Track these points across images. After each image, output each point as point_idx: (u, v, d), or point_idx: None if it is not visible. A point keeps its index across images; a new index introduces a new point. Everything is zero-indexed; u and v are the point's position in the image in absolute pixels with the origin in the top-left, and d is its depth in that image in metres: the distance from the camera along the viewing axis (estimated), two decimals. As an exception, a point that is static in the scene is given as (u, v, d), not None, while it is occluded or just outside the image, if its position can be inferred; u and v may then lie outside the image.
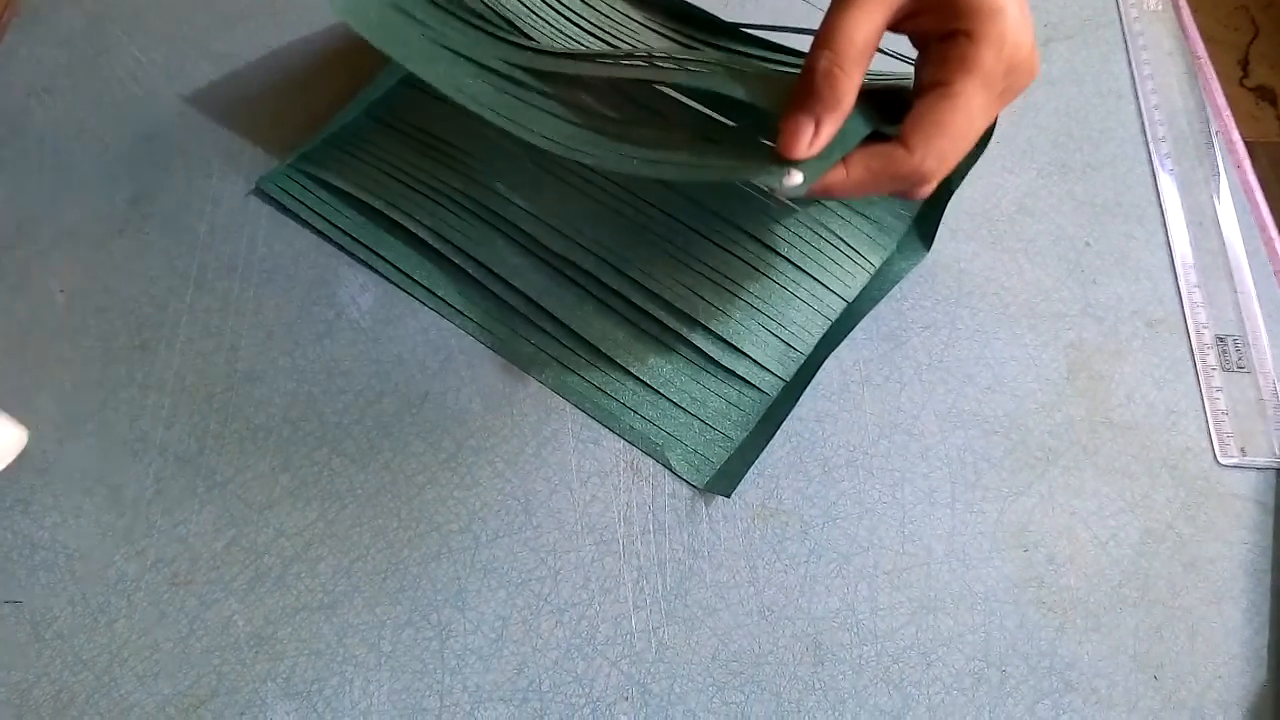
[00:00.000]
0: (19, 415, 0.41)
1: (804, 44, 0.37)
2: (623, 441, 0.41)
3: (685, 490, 0.39)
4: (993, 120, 0.36)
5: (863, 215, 0.44)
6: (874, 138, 0.35)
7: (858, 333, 0.43)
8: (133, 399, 0.42)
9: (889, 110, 0.36)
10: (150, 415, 0.41)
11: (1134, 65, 0.51)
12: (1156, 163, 0.48)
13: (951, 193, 0.43)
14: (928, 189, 0.37)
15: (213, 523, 0.39)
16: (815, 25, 0.34)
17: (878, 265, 0.44)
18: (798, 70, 0.34)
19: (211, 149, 0.48)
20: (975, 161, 0.41)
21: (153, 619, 0.37)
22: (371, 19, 0.43)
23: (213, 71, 0.51)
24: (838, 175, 0.35)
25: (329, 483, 0.40)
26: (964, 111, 0.33)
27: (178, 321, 0.43)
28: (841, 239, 0.44)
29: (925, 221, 0.45)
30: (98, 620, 0.37)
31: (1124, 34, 0.52)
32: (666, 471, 0.40)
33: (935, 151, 0.34)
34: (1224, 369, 0.42)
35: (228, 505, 0.39)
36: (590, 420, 0.41)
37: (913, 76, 0.36)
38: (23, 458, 0.40)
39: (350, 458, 0.40)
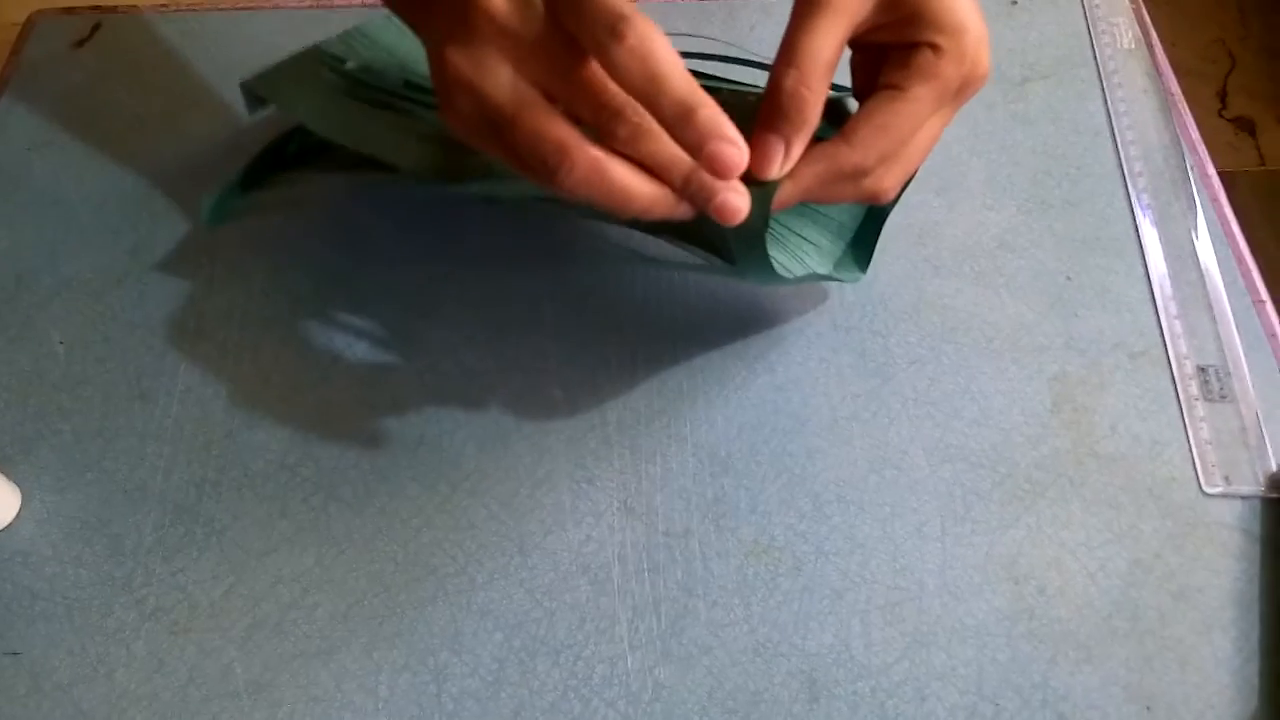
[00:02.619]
0: (19, 467, 0.42)
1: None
2: (616, 480, 0.41)
3: (679, 528, 0.40)
4: (939, 133, 0.36)
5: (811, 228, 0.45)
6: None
7: (845, 369, 0.44)
8: (132, 448, 0.42)
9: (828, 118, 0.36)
10: (149, 464, 0.42)
11: (1110, 103, 0.52)
12: (1134, 197, 0.49)
13: (885, 215, 0.44)
14: (870, 187, 0.36)
15: (211, 570, 0.39)
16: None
17: (819, 271, 0.43)
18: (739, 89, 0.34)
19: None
20: (907, 184, 0.41)
21: (152, 668, 0.37)
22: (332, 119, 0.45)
23: (210, 124, 0.52)
24: (784, 187, 0.35)
25: (326, 528, 0.40)
26: (912, 115, 0.34)
27: (176, 370, 0.44)
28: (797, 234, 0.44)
29: (861, 244, 0.45)
30: (97, 670, 0.37)
31: (1099, 72, 0.53)
32: (660, 510, 0.40)
33: (876, 148, 0.34)
34: (1206, 399, 0.43)
35: (226, 552, 0.40)
36: (584, 461, 0.42)
37: (848, 91, 0.37)
38: (23, 508, 0.41)
39: (346, 503, 0.41)
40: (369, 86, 0.45)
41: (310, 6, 0.57)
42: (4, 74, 0.55)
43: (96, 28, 0.57)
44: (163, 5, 0.59)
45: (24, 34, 0.57)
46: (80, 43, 0.56)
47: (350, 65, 0.47)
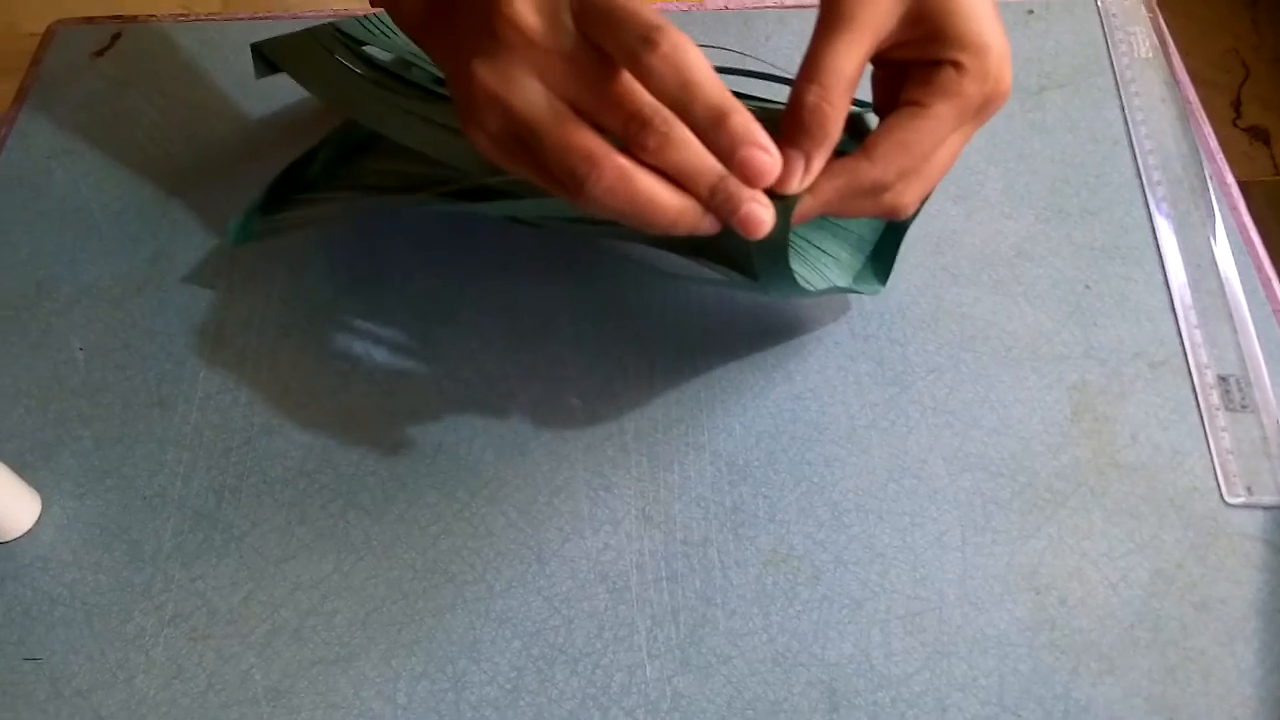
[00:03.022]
0: (39, 473, 0.42)
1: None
2: (634, 488, 0.41)
3: (697, 537, 0.40)
4: (959, 149, 0.36)
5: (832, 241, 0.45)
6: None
7: (864, 378, 0.44)
8: (152, 454, 0.42)
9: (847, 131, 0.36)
10: (169, 470, 0.42)
11: (1127, 111, 0.52)
12: (1153, 206, 0.49)
13: (905, 228, 0.44)
14: (890, 202, 0.36)
15: (230, 576, 0.39)
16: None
17: (838, 284, 0.44)
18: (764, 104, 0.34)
19: (228, 207, 0.49)
20: (926, 198, 0.41)
21: (171, 674, 0.37)
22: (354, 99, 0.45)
23: (229, 133, 0.53)
24: (804, 201, 0.35)
25: (344, 535, 0.40)
26: (933, 133, 0.34)
27: (196, 377, 0.44)
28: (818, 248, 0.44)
29: (880, 257, 0.45)
30: (116, 676, 0.37)
31: (1116, 81, 0.53)
32: (678, 519, 0.40)
33: (897, 164, 0.34)
34: (1227, 408, 0.43)
35: (245, 559, 0.40)
36: (602, 469, 0.41)
37: (869, 106, 0.38)
38: (43, 514, 0.41)
39: (365, 509, 0.41)
40: (389, 74, 0.45)
41: (329, 15, 0.57)
42: (24, 83, 0.56)
43: (116, 37, 0.57)
44: (182, 14, 0.59)
45: (44, 43, 0.57)
46: (100, 52, 0.57)
47: (374, 50, 0.47)
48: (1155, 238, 0.48)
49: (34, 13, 1.64)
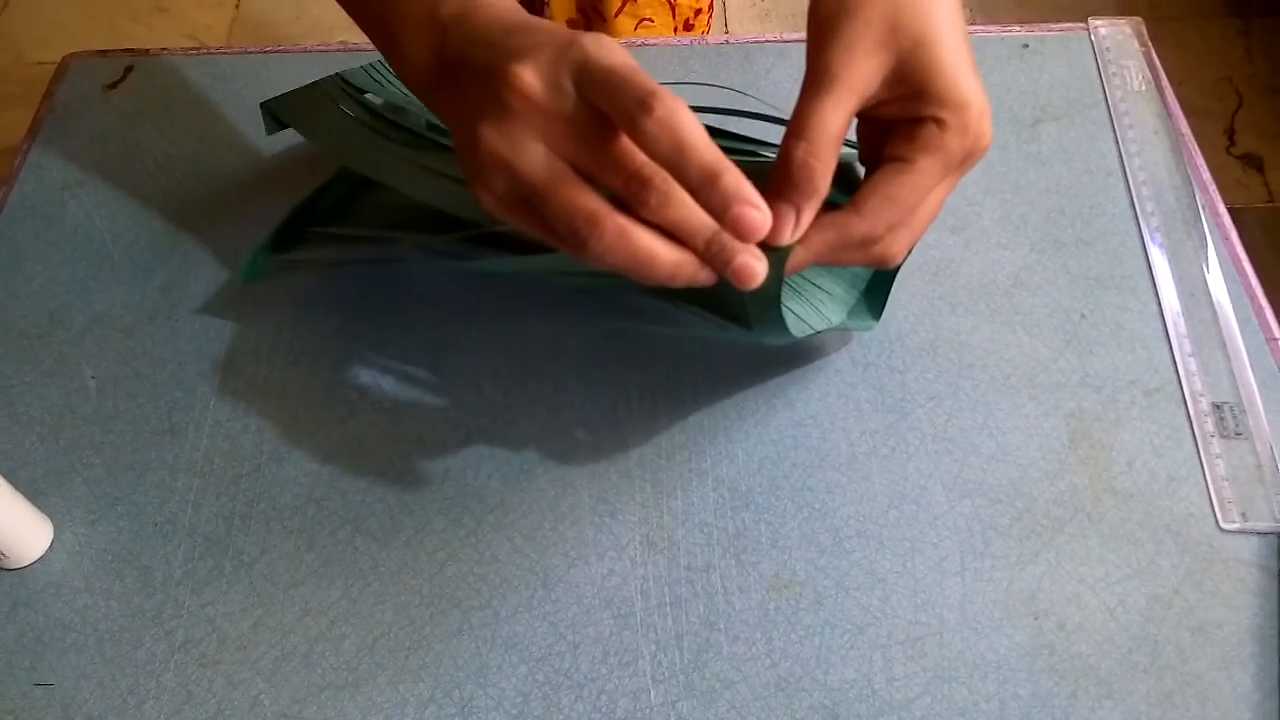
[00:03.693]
0: (51, 500, 0.42)
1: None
2: (638, 514, 0.42)
3: (700, 563, 0.40)
4: (943, 199, 0.37)
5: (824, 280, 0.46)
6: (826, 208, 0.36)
7: (863, 405, 0.44)
8: (163, 482, 0.43)
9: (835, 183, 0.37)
10: (180, 497, 0.42)
11: (1121, 143, 0.53)
12: (1147, 236, 0.50)
13: (898, 269, 0.45)
14: (879, 253, 0.37)
15: (240, 602, 0.40)
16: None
17: (832, 321, 0.45)
18: (752, 157, 0.34)
19: (239, 237, 0.50)
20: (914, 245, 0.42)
21: (181, 699, 0.38)
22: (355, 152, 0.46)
23: (240, 164, 0.54)
24: (796, 252, 0.36)
25: (353, 561, 0.41)
26: (918, 186, 0.36)
27: (206, 405, 0.45)
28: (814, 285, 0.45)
29: (874, 292, 0.46)
30: (127, 702, 0.38)
31: (1110, 114, 0.54)
32: (681, 544, 0.41)
33: (884, 218, 0.36)
34: (1222, 435, 0.43)
35: (254, 585, 0.40)
36: (606, 495, 0.42)
37: (855, 154, 0.39)
38: (55, 540, 0.42)
39: (373, 536, 0.41)
40: (388, 121, 0.46)
41: (337, 50, 0.58)
42: (38, 115, 0.57)
43: (129, 70, 0.58)
44: (193, 48, 0.60)
45: (57, 76, 0.58)
46: (113, 85, 0.58)
47: (370, 97, 0.48)
48: (1149, 267, 0.48)
49: (41, 42, 1.66)
